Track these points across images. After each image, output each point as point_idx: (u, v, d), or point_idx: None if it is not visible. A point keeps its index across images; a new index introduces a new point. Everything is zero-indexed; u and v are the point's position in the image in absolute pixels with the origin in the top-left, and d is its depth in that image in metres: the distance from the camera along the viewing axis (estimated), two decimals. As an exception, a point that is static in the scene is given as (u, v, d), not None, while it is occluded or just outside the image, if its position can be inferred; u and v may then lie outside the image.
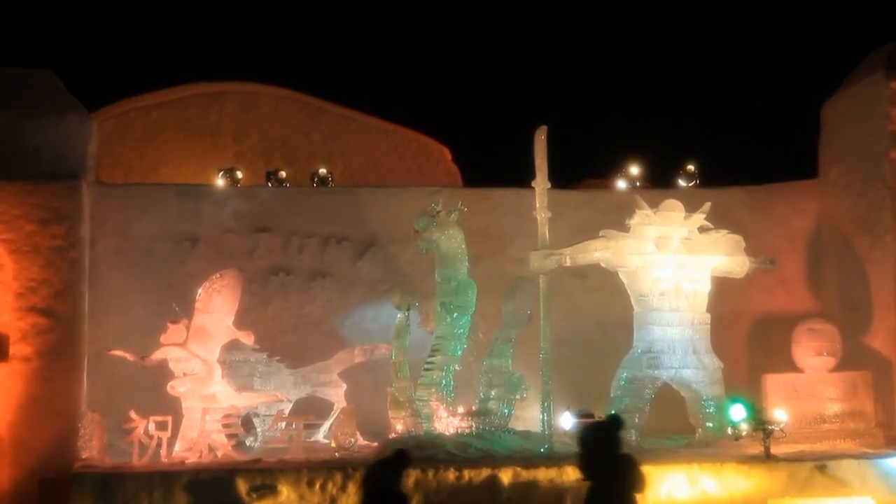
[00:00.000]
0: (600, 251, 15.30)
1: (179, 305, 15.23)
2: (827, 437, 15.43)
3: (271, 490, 13.05)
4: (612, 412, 12.79)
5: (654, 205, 15.56)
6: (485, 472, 13.30)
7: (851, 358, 16.19)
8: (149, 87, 21.42)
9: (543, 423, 14.91)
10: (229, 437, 14.65)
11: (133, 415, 14.28)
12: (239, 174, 18.37)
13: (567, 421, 15.62)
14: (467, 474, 13.27)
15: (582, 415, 15.52)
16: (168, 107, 21.21)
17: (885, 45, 17.08)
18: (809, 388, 15.85)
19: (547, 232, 15.14)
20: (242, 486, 13.04)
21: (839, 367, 16.07)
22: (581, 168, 21.62)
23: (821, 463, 13.69)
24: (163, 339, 14.95)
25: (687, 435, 15.47)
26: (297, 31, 28.52)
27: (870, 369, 16.01)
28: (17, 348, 14.99)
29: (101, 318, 16.17)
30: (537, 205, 15.18)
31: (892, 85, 16.34)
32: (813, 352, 16.08)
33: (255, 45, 27.56)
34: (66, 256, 15.34)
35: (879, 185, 16.46)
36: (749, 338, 17.75)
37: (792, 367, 16.22)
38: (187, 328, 15.03)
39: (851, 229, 17.17)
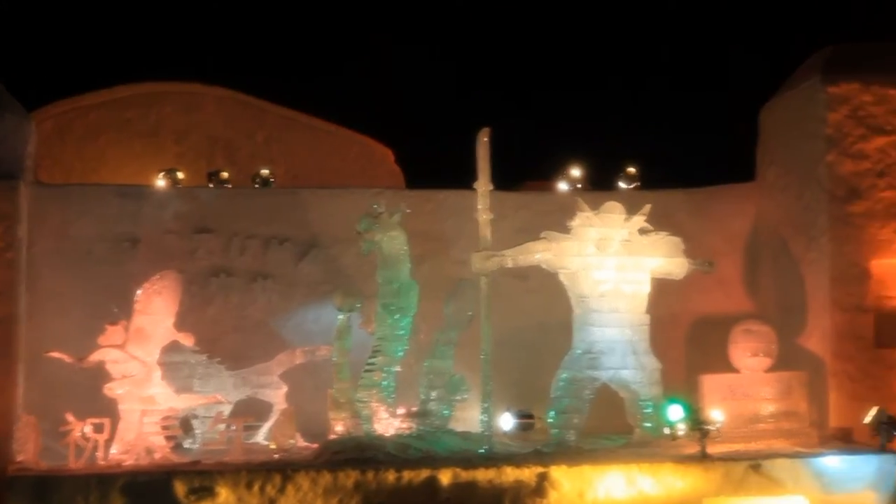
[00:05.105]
0: (541, 253, 15.39)
1: (119, 307, 15.12)
2: (762, 436, 15.64)
3: (209, 492, 12.99)
4: None
5: (594, 207, 15.68)
6: (424, 473, 13.33)
7: (787, 359, 16.42)
8: (88, 87, 21.22)
9: (483, 424, 14.99)
10: (167, 439, 14.58)
11: (70, 417, 14.16)
12: (180, 175, 18.20)
13: (507, 422, 15.70)
14: (407, 475, 13.30)
15: (522, 415, 15.63)
16: (108, 107, 21.00)
17: (822, 49, 17.30)
18: (745, 389, 16.06)
19: (489, 233, 15.22)
20: (180, 489, 12.97)
21: (775, 368, 16.29)
22: (523, 170, 21.73)
23: (755, 462, 13.88)
24: (101, 340, 14.84)
25: (625, 435, 15.60)
26: (240, 31, 28.38)
27: (805, 370, 16.25)
28: (-49, 350, 14.84)
29: (38, 319, 16.02)
30: (479, 206, 15.25)
31: (829, 90, 16.55)
32: (749, 352, 16.29)
33: (196, 44, 27.38)
34: (3, 257, 15.25)
35: (815, 188, 16.69)
36: (687, 339, 17.92)
37: (729, 367, 16.42)
38: (126, 330, 14.93)
39: (788, 231, 17.40)
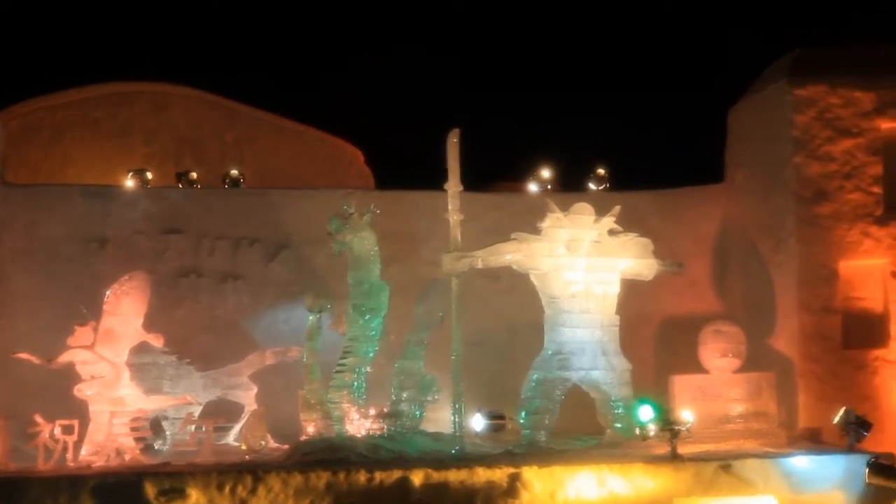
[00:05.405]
0: (512, 254, 15.42)
1: (87, 308, 14.99)
2: (731, 437, 15.71)
3: (180, 493, 12.91)
4: None
5: (565, 208, 15.71)
6: (396, 474, 13.31)
7: (756, 359, 16.51)
8: (56, 86, 21.06)
9: (455, 424, 14.99)
10: (137, 440, 14.50)
11: (38, 418, 14.06)
12: (149, 175, 18.11)
13: (478, 423, 15.72)
14: (378, 476, 13.28)
15: (493, 416, 15.65)
16: (76, 106, 20.83)
17: (790, 51, 17.40)
18: (715, 389, 16.12)
19: (459, 234, 15.22)
20: (150, 490, 12.89)
21: (744, 369, 16.37)
22: (493, 171, 21.76)
23: (725, 462, 13.94)
24: (70, 341, 14.73)
25: (596, 436, 15.66)
26: (209, 31, 28.28)
27: (773, 370, 16.35)
28: (-83, 351, 14.69)
29: (6, 320, 15.93)
30: (450, 207, 15.25)
31: (797, 92, 16.64)
32: (718, 353, 16.36)
33: (166, 44, 27.28)
34: (-31, 258, 15.12)
35: (783, 190, 16.80)
36: (657, 339, 18.01)
37: (698, 368, 16.49)
38: (95, 331, 14.83)
39: (756, 233, 17.51)
